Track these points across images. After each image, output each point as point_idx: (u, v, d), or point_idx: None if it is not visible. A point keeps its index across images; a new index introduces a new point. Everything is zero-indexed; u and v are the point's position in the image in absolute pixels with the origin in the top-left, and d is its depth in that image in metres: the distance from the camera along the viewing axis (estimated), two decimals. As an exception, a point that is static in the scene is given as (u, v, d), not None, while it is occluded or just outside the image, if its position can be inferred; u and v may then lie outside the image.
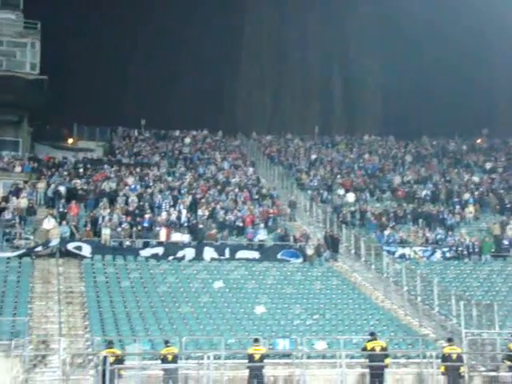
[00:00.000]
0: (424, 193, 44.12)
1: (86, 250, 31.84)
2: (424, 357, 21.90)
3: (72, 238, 32.90)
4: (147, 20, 70.21)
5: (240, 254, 33.46)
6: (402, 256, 35.27)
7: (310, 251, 34.25)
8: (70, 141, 50.77)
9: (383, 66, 74.24)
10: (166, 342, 20.67)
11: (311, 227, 39.45)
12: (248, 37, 76.18)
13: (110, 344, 19.96)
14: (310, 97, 76.33)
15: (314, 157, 51.43)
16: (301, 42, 76.17)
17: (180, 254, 32.83)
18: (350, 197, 43.31)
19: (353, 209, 41.21)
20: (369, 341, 21.05)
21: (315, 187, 44.84)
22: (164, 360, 19.92)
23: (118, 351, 19.52)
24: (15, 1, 47.03)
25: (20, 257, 30.71)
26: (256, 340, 20.71)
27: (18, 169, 41.43)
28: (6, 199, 35.91)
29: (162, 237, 33.97)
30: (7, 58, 44.46)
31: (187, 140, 52.91)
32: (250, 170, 47.55)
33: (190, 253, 32.99)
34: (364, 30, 76.75)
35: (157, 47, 69.33)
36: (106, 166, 44.35)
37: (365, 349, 20.77)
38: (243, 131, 57.89)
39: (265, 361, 20.32)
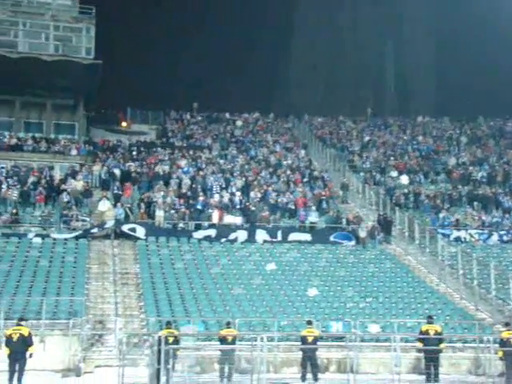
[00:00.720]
0: (480, 175, 43.21)
1: (141, 231, 32.27)
2: (481, 341, 21.53)
3: (126, 219, 33.37)
4: (200, 4, 70.34)
5: (292, 237, 33.41)
6: (457, 239, 34.70)
7: (362, 234, 33.95)
8: (124, 124, 51.45)
9: (437, 46, 72.73)
10: (228, 323, 20.71)
11: (364, 210, 39.10)
12: (300, 19, 75.60)
13: (168, 324, 20.19)
14: (363, 78, 75.43)
15: (366, 139, 50.87)
16: (353, 23, 75.20)
17: (232, 236, 32.98)
18: (404, 179, 42.74)
19: (406, 191, 40.66)
20: (425, 324, 20.80)
21: (368, 169, 44.40)
22: (223, 341, 20.03)
23: (176, 332, 19.74)
24: (71, -13, 47.80)
25: (77, 238, 31.30)
26: (309, 322, 20.67)
27: (74, 152, 42.20)
28: (63, 181, 36.63)
29: (215, 219, 34.16)
30: (63, 43, 45.17)
31: (239, 123, 52.97)
32: (302, 152, 47.35)
33: (242, 235, 33.10)
34: (417, 10, 75.28)
35: (209, 31, 69.44)
36: (159, 148, 44.82)
37: (421, 332, 20.53)
38: (295, 113, 57.60)
39: (318, 343, 20.27)
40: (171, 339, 18.52)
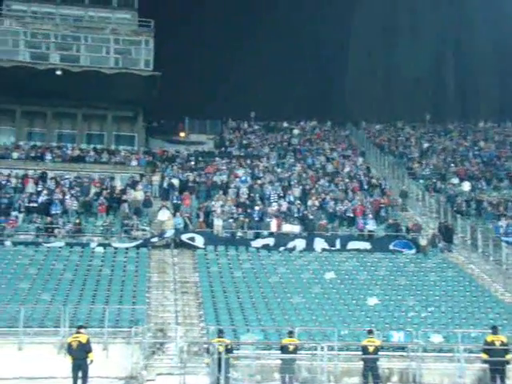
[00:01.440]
0: (545, 181, 42.01)
1: (199, 240, 32.52)
2: (548, 353, 20.80)
3: (186, 229, 33.70)
4: (254, 14, 70.72)
5: (351, 245, 33.11)
6: (522, 247, 33.70)
7: (423, 242, 33.39)
8: (182, 134, 52.06)
9: (499, 49, 71.12)
10: (290, 333, 20.62)
11: (424, 217, 38.45)
12: (357, 24, 75.14)
13: (220, 333, 20.25)
14: (421, 83, 74.38)
15: (426, 145, 50.09)
16: (411, 27, 74.29)
17: (291, 244, 32.90)
18: (466, 186, 41.88)
19: (468, 198, 39.81)
20: (490, 334, 20.26)
21: (427, 176, 43.68)
22: (284, 350, 19.96)
23: (228, 340, 19.77)
24: (130, 1, 48.79)
25: (137, 247, 31.78)
26: (370, 332, 20.40)
27: (134, 162, 42.95)
28: (123, 192, 37.28)
29: (273, 228, 34.16)
30: (123, 56, 46.16)
31: (296, 131, 52.94)
32: (360, 159, 46.95)
33: (300, 243, 32.99)
34: (477, 12, 73.85)
35: (264, 39, 69.70)
36: (217, 158, 45.19)
37: (486, 343, 20.00)
38: (352, 121, 57.22)
39: (379, 353, 19.99)
40: (222, 348, 18.55)
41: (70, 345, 18.32)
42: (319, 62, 69.35)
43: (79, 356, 18.11)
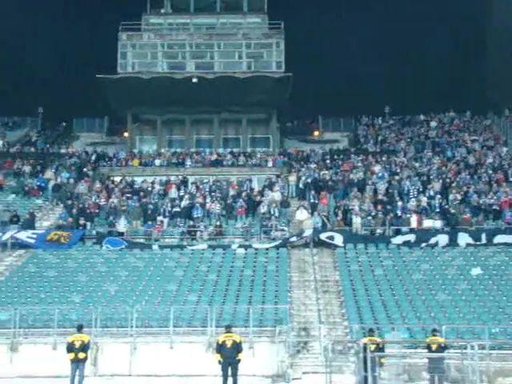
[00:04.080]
0: None
1: (339, 239, 32.39)
2: None
3: (324, 228, 33.68)
4: (386, 6, 69.37)
5: (498, 239, 31.62)
6: None
7: None
8: (316, 133, 52.14)
9: None
10: (434, 331, 20.05)
11: None
12: (497, 7, 71.56)
13: (370, 332, 19.99)
14: None
15: None
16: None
17: (433, 240, 31.96)
18: None
19: None
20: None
21: None
22: (430, 348, 19.41)
23: (379, 339, 19.49)
24: (260, 5, 49.62)
25: (277, 247, 32.17)
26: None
27: (270, 164, 43.54)
28: (261, 193, 37.88)
29: (413, 223, 33.38)
30: (255, 59, 47.07)
31: (433, 123, 51.41)
32: (504, 149, 44.78)
33: (443, 239, 31.97)
34: None
35: (396, 31, 68.14)
36: (352, 155, 44.81)
37: None
38: (494, 109, 54.62)
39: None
40: (373, 347, 18.25)
41: (223, 343, 18.72)
42: (456, 49, 66.79)
43: (231, 355, 18.50)
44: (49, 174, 41.46)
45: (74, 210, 35.76)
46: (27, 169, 42.65)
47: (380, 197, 36.37)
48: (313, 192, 37.61)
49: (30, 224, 34.28)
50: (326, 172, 40.92)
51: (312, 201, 36.83)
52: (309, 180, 39.27)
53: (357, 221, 33.60)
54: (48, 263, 30.83)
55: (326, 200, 36.67)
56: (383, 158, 43.34)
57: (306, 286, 28.34)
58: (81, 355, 19.22)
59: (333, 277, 29.20)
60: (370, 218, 33.96)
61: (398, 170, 40.80)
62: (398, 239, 32.39)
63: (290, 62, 46.91)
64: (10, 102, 58.07)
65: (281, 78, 45.43)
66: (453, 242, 31.68)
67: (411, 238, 32.31)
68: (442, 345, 19.35)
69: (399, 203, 35.06)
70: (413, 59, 68.17)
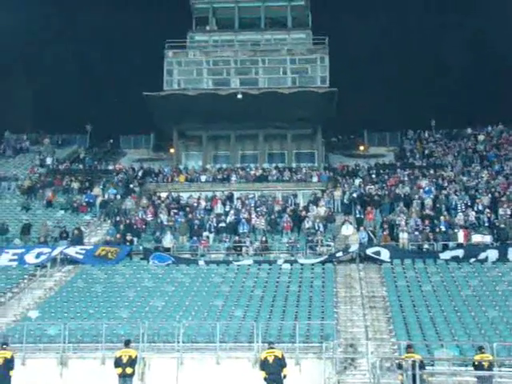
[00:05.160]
0: None
1: (385, 254, 32.07)
2: None
3: (370, 243, 33.38)
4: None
5: (552, 255, 30.89)
6: None
7: None
8: (362, 148, 51.89)
9: None
10: (480, 348, 19.63)
11: None
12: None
13: (408, 348, 19.65)
14: None
15: None
16: None
17: (482, 255, 31.38)
18: None
19: None
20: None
21: None
22: (478, 366, 18.99)
23: (418, 356, 19.12)
24: (304, 20, 49.85)
25: (323, 263, 32.00)
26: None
27: (315, 179, 43.45)
28: (306, 208, 37.78)
29: (460, 238, 32.86)
30: (300, 74, 47.22)
31: (481, 137, 50.60)
32: (556, 162, 43.79)
33: (492, 254, 31.37)
34: None
35: (442, 43, 67.55)
36: (398, 170, 44.39)
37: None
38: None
39: None
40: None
41: (265, 359, 18.68)
42: (504, 60, 65.79)
43: (275, 371, 18.44)
44: (96, 190, 42.18)
45: (121, 226, 36.25)
46: (76, 185, 43.47)
47: (427, 211, 35.90)
48: (358, 207, 37.37)
49: (77, 240, 34.87)
50: (372, 187, 40.63)
51: (358, 216, 36.60)
52: (354, 195, 39.02)
53: (403, 236, 33.23)
54: (96, 278, 31.27)
55: (371, 215, 36.38)
56: (430, 173, 42.81)
57: (352, 302, 28.07)
58: (128, 370, 19.40)
59: (380, 292, 28.87)
60: (416, 233, 33.53)
61: (446, 185, 40.23)
62: (446, 254, 31.89)
63: (335, 76, 46.93)
64: (59, 120, 59.48)
65: (325, 92, 45.43)
66: (503, 257, 31.05)
67: (460, 253, 31.78)
68: (491, 362, 18.93)
69: (446, 218, 34.53)
70: (459, 71, 67.44)
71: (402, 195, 38.59)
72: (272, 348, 19.12)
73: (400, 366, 18.22)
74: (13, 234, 36.64)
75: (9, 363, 19.95)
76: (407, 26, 68.07)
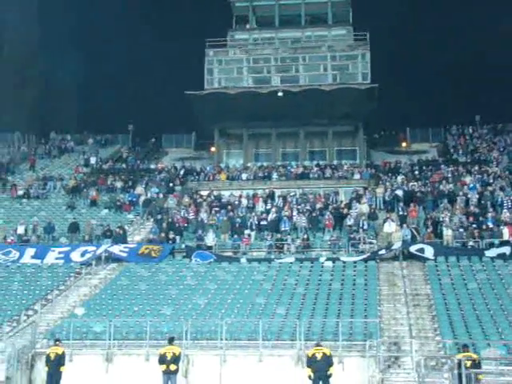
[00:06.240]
0: None
1: (429, 252, 31.65)
2: None
3: (413, 240, 33.01)
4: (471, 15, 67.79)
5: None
6: None
7: None
8: (404, 144, 51.34)
9: None
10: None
11: None
12: None
13: (465, 347, 19.36)
14: None
15: None
16: None
17: (530, 253, 30.74)
18: None
19: None
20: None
21: None
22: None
23: (474, 355, 18.85)
24: (345, 17, 49.53)
25: (365, 261, 31.75)
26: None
27: (357, 176, 43.17)
28: (348, 206, 37.55)
29: (506, 236, 32.24)
30: (341, 71, 46.96)
31: (527, 131, 49.62)
32: None
33: (540, 251, 30.70)
34: None
35: (488, 34, 66.29)
36: (442, 166, 43.80)
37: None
38: None
39: None
40: (469, 363, 17.67)
41: (313, 356, 18.64)
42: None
43: (322, 368, 18.40)
44: (139, 189, 42.63)
45: (164, 225, 36.56)
46: (119, 184, 44.03)
47: (472, 208, 35.34)
48: (401, 204, 36.97)
49: (120, 238, 35.30)
50: (415, 183, 40.16)
51: (400, 213, 36.20)
52: (397, 192, 38.62)
53: (448, 233, 32.76)
54: (140, 276, 31.61)
55: (415, 212, 35.95)
56: (475, 168, 42.12)
57: (395, 300, 27.78)
58: (172, 367, 19.59)
59: (424, 290, 28.51)
60: (461, 230, 33.03)
61: (491, 181, 39.52)
62: (492, 252, 31.31)
63: (377, 72, 46.52)
64: (103, 121, 60.34)
65: (367, 89, 45.08)
66: (552, 255, 30.36)
67: (506, 250, 31.14)
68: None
69: (492, 215, 33.92)
70: (504, 66, 66.15)
71: (446, 192, 38.05)
72: (320, 346, 19.09)
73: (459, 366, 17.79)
74: (59, 233, 37.32)
75: (60, 359, 20.40)
76: (450, 19, 67.06)
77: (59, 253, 34.33)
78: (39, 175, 47.45)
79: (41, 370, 22.93)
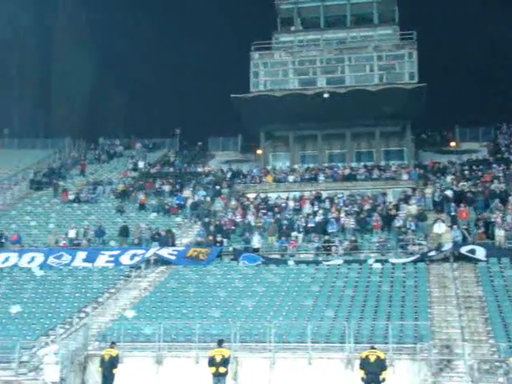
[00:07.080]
0: None
1: (481, 253, 31.04)
2: None
3: (464, 241, 32.42)
4: None
5: None
6: None
7: None
8: (453, 144, 50.48)
9: None
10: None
11: None
12: None
13: (518, 351, 18.98)
14: None
15: None
16: None
17: None
18: None
19: None
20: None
21: None
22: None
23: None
24: (391, 16, 49.00)
25: (415, 262, 31.30)
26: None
27: (405, 177, 42.60)
28: (396, 207, 37.10)
29: (561, 236, 31.41)
30: (387, 71, 46.44)
31: None
32: None
33: None
34: None
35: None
36: (493, 165, 42.91)
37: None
38: None
39: None
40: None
41: (366, 358, 18.47)
42: None
43: (375, 371, 18.20)
44: (187, 192, 42.96)
45: (211, 227, 36.74)
46: (167, 188, 44.45)
47: (521, 208, 34.55)
48: (451, 204, 36.35)
49: (167, 241, 35.60)
50: (465, 183, 39.45)
51: (451, 214, 35.58)
52: (446, 192, 38.00)
53: (500, 233, 32.05)
54: (188, 279, 31.83)
55: (465, 213, 35.29)
56: (527, 168, 41.21)
57: (447, 302, 27.30)
58: (221, 369, 19.65)
59: (475, 292, 27.96)
60: (514, 230, 32.31)
61: (544, 180, 38.60)
62: (547, 253, 30.55)
63: (424, 72, 45.86)
64: (150, 125, 61.10)
65: (414, 88, 44.48)
66: None
67: (561, 251, 30.38)
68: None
69: (546, 214, 33.12)
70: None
71: (498, 191, 37.27)
72: (374, 348, 18.90)
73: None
74: (109, 237, 37.86)
75: (113, 361, 20.69)
76: (498, 16, 65.69)
77: (109, 256, 34.81)
78: (89, 180, 48.27)
79: (93, 372, 23.31)
